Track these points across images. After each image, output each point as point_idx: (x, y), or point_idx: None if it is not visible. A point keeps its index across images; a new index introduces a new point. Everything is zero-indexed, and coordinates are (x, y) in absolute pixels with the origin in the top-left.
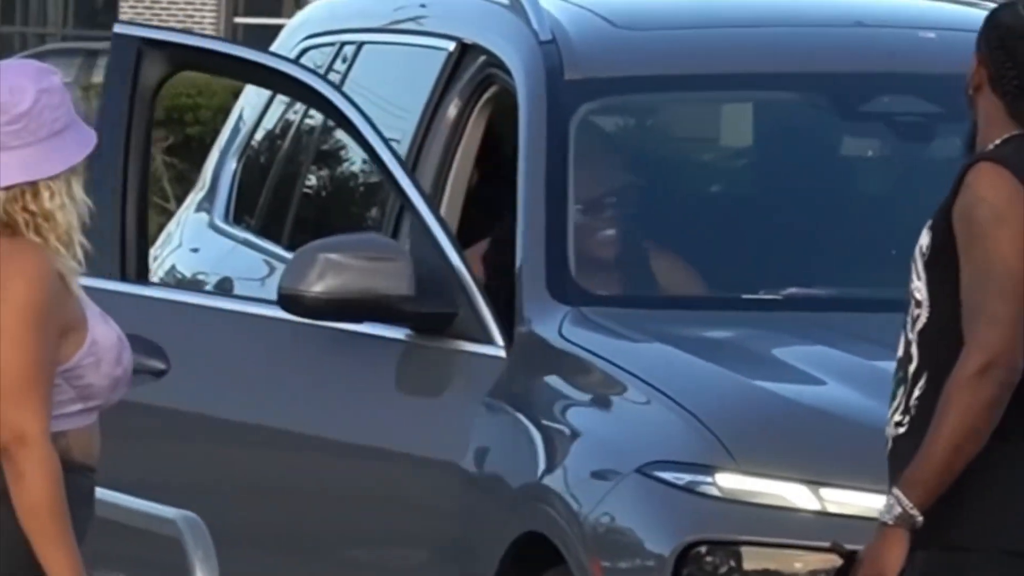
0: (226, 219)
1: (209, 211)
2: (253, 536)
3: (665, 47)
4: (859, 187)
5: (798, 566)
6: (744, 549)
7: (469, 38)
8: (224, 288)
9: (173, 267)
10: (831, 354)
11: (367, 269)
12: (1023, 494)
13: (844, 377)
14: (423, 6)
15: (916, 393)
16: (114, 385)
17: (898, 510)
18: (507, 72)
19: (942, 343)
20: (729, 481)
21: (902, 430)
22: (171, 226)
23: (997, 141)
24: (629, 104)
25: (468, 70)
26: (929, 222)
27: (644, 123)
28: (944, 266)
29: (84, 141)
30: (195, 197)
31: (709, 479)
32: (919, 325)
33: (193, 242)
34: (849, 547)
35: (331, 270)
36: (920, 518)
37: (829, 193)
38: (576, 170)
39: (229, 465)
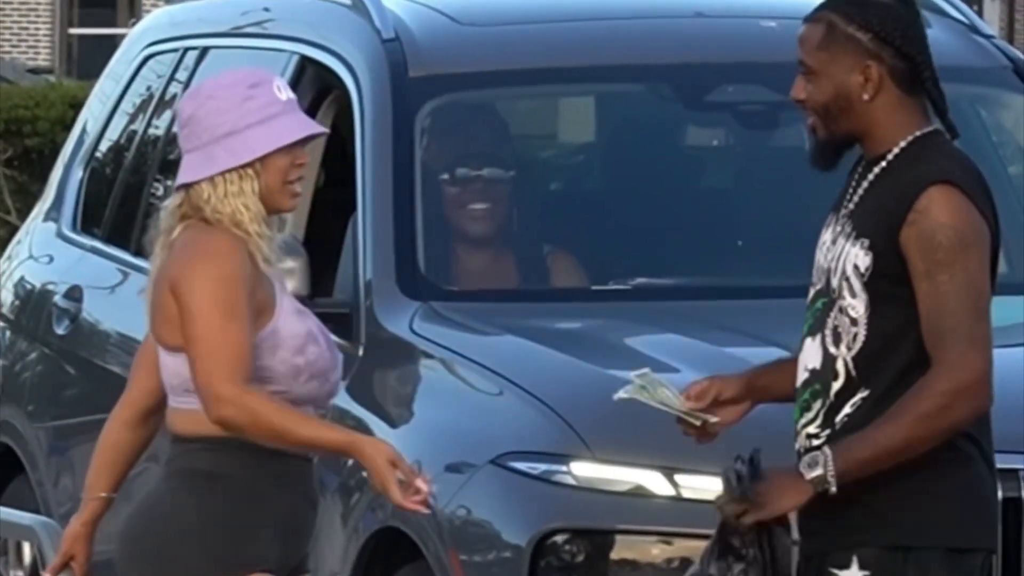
0: (74, 228)
1: (57, 220)
2: None
3: (508, 42)
4: (705, 177)
5: (655, 552)
6: (601, 537)
7: (312, 39)
8: (73, 296)
9: (23, 277)
10: (682, 342)
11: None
12: (965, 494)
13: (695, 364)
14: (267, 10)
15: (847, 410)
16: (295, 373)
17: (819, 471)
18: (352, 73)
19: (886, 363)
20: (584, 470)
21: (817, 442)
22: (20, 235)
23: (908, 139)
24: (474, 100)
25: (311, 73)
26: (865, 241)
27: (490, 119)
28: (889, 286)
29: (255, 143)
30: (42, 207)
31: (564, 468)
32: (858, 344)
33: (42, 251)
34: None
35: None
36: (834, 489)
37: (675, 183)
38: (423, 167)
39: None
